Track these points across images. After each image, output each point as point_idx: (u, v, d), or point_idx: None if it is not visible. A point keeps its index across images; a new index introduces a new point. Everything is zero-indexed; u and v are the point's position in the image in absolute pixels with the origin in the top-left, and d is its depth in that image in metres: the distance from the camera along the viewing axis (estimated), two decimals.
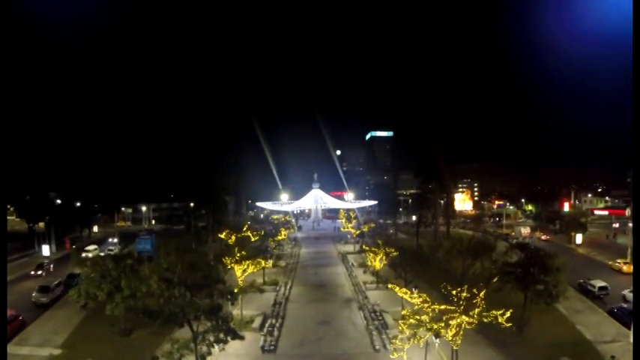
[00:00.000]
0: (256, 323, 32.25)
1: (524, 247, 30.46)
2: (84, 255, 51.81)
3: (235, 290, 32.14)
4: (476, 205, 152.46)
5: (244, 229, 42.21)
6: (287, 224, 73.17)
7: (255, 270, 34.66)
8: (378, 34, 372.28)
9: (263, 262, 36.35)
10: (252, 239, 38.87)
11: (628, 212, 61.80)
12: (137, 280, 27.17)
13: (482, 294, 21.14)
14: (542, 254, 28.87)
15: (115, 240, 68.18)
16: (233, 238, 37.31)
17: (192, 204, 66.95)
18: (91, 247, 60.24)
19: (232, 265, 32.62)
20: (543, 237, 73.69)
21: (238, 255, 32.27)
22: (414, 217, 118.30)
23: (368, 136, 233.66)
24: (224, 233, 38.55)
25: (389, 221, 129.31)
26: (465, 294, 22.09)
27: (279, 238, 54.85)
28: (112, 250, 57.53)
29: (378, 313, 34.37)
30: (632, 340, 25.81)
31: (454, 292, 22.29)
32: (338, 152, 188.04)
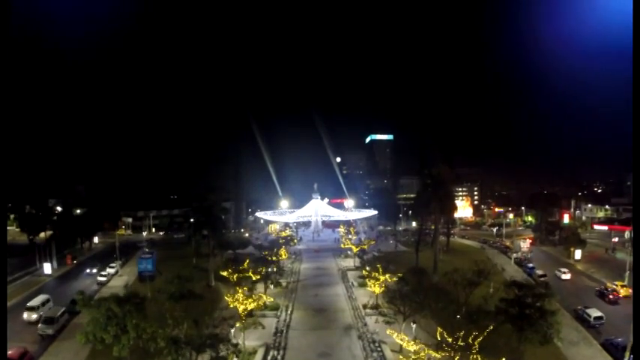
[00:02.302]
0: (259, 355, 32.80)
1: (522, 285, 30.68)
2: (26, 316, 39.43)
3: (237, 325, 32.79)
4: (476, 210, 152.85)
5: (245, 264, 42.51)
6: (288, 239, 73.24)
7: (257, 306, 35.14)
8: (379, 37, 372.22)
9: (264, 296, 36.83)
10: (254, 278, 39.15)
11: (627, 235, 62.21)
12: (143, 320, 27.69)
13: (477, 344, 21.72)
14: (538, 293, 29.29)
15: (95, 270, 59.50)
16: (235, 276, 37.74)
17: (192, 219, 66.77)
18: (36, 301, 40.93)
19: (234, 303, 33.11)
20: (528, 243, 74.38)
21: (241, 294, 32.77)
22: (414, 223, 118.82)
23: (368, 140, 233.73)
24: (225, 272, 38.94)
25: (389, 227, 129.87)
26: (460, 342, 22.75)
27: (280, 258, 55.35)
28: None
29: (376, 344, 35.01)
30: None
31: (450, 340, 23.00)
32: (338, 159, 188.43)
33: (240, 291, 33.18)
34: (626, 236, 64.89)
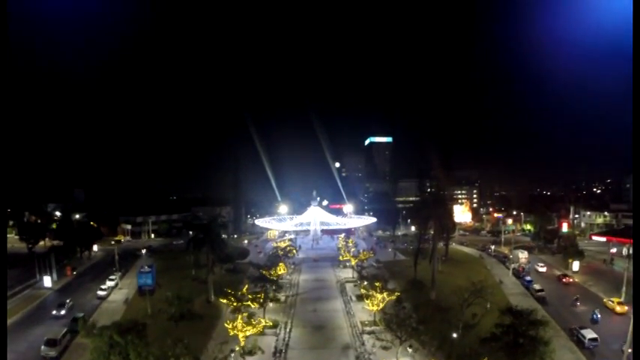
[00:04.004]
0: None
1: (516, 313, 30.98)
2: None
3: (237, 349, 33.09)
4: (474, 214, 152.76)
5: (244, 290, 42.71)
6: (287, 251, 73.37)
7: (257, 331, 35.41)
8: (379, 40, 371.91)
9: (264, 321, 37.10)
10: (253, 306, 39.32)
11: (625, 251, 62.41)
12: (145, 348, 28.00)
13: None
14: (533, 320, 29.60)
15: (63, 312, 47.81)
16: (235, 304, 37.96)
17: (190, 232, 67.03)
18: None
19: (235, 332, 33.39)
20: (527, 254, 75.35)
21: (240, 321, 33.09)
22: (412, 228, 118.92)
23: (367, 142, 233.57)
24: (225, 300, 39.15)
25: (388, 232, 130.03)
26: None
27: (279, 272, 55.61)
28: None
29: None
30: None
31: None
32: (337, 164, 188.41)
33: (239, 318, 33.50)
34: (624, 253, 65.04)
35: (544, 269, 69.81)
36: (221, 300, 41.45)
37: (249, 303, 38.49)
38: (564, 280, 62.48)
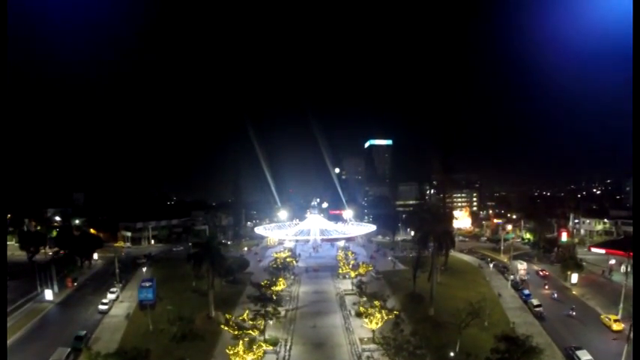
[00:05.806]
0: None
1: (512, 340, 31.40)
2: None
3: None
4: (474, 218, 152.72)
5: (244, 315, 43.09)
6: (287, 264, 73.59)
7: (257, 357, 35.75)
8: (380, 42, 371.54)
9: (264, 344, 37.44)
10: (254, 334, 39.60)
11: (624, 268, 62.60)
12: None
13: None
14: (527, 348, 30.00)
15: None
16: (236, 332, 38.30)
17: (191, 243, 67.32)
18: None
19: (236, 358, 33.75)
20: (525, 265, 75.50)
21: (242, 347, 33.49)
22: (412, 234, 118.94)
23: (367, 145, 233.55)
24: (228, 328, 39.48)
25: (387, 238, 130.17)
26: None
27: (279, 288, 56.00)
28: None
29: None
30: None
31: None
32: (337, 170, 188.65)
33: (240, 344, 33.86)
34: (622, 270, 65.19)
35: (524, 266, 77.04)
36: (222, 327, 41.76)
37: (250, 331, 38.81)
38: (541, 273, 74.35)
